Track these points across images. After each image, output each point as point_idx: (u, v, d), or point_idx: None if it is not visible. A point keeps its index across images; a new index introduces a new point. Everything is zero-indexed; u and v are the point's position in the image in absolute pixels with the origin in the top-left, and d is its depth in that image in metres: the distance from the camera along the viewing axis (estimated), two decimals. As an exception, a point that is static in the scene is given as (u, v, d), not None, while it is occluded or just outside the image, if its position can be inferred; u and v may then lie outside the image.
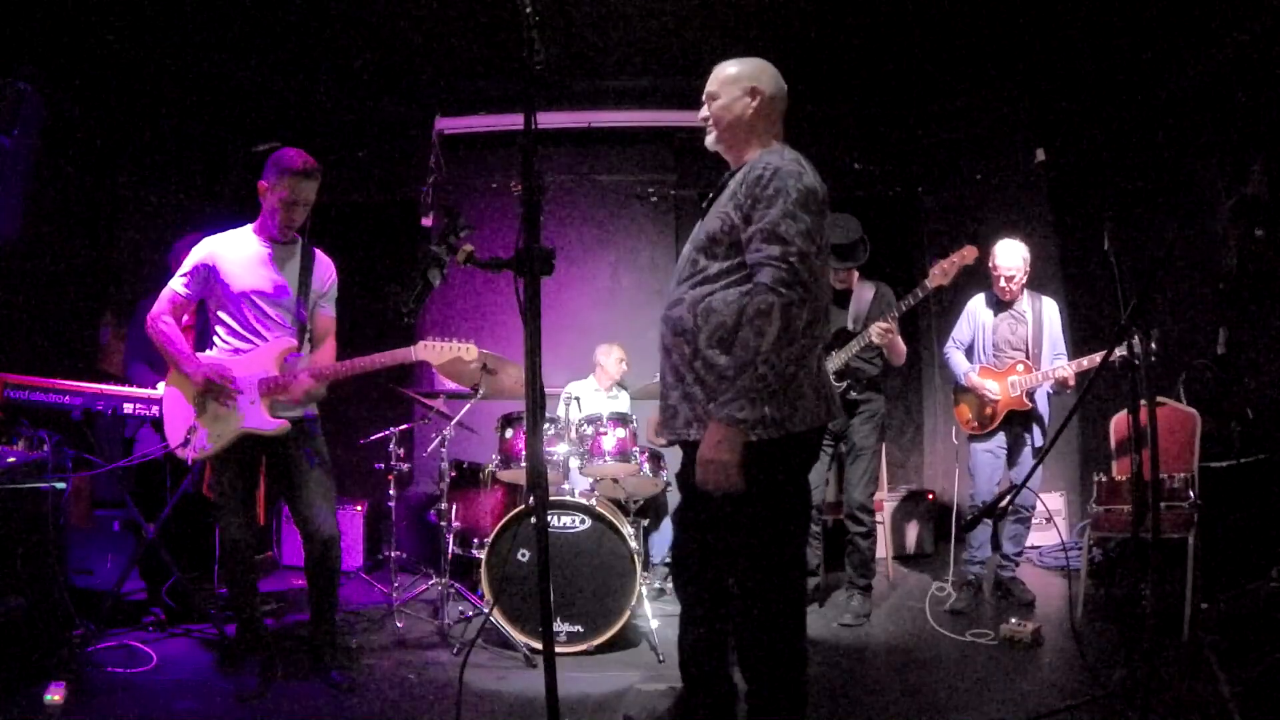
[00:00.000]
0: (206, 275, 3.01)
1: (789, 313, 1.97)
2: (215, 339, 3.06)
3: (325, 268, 3.22)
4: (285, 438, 3.02)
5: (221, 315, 3.04)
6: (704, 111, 2.32)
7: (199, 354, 3.03)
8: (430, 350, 3.17)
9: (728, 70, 2.29)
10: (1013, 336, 4.13)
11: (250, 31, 4.88)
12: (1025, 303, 4.14)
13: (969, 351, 4.26)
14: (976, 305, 4.27)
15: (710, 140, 2.33)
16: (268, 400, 2.98)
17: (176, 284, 3.02)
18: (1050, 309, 4.17)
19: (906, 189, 6.44)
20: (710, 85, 2.31)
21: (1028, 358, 4.07)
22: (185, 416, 2.99)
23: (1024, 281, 4.10)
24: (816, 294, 2.04)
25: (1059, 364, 3.97)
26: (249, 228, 3.12)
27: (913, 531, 5.38)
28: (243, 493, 3.04)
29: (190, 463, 2.99)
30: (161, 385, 3.71)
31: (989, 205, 5.94)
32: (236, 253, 3.04)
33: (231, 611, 3.37)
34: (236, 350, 3.02)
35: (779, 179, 2.05)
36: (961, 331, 4.31)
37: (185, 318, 3.21)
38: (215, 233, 3.11)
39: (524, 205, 1.73)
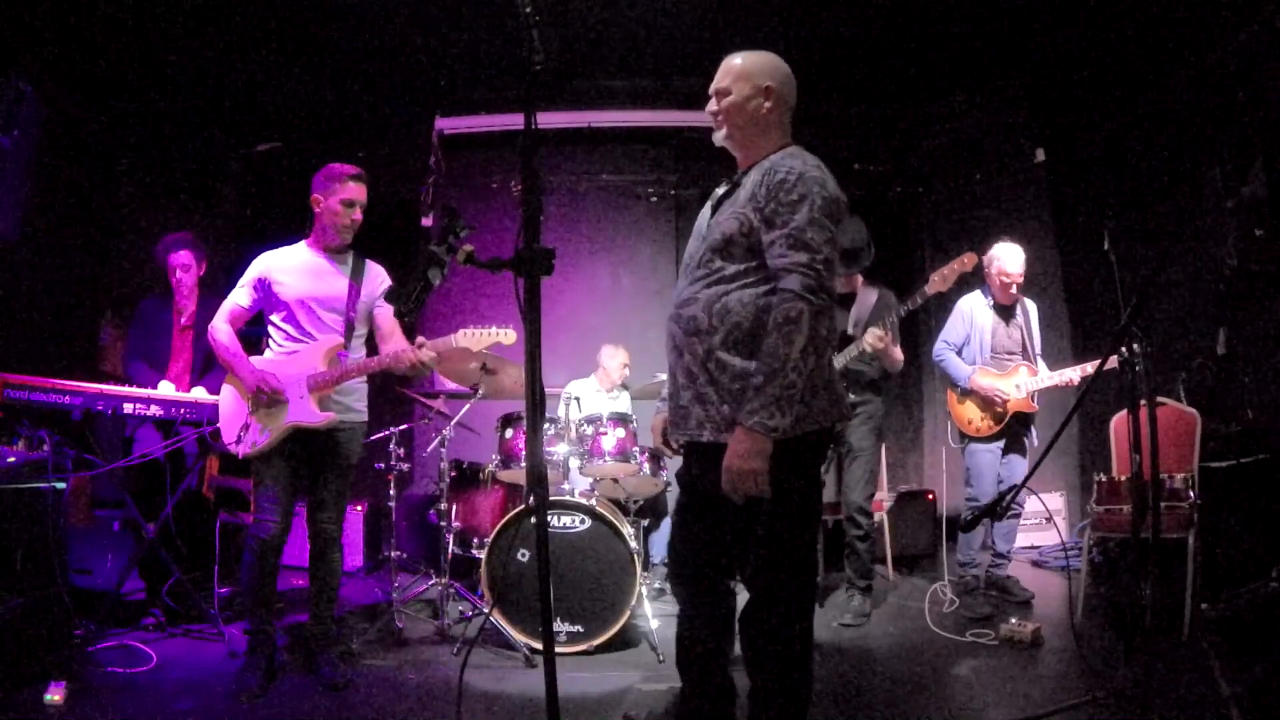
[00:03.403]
0: (264, 288, 3.12)
1: (816, 320, 1.96)
2: (271, 343, 3.14)
3: (377, 276, 3.29)
4: (328, 433, 3.07)
5: (277, 320, 3.13)
6: (712, 105, 2.24)
7: (252, 357, 3.10)
8: (470, 337, 3.20)
9: (738, 63, 2.21)
10: (1008, 340, 4.17)
11: (250, 31, 4.88)
12: (1017, 305, 4.19)
13: (959, 352, 4.24)
14: (973, 306, 4.24)
15: (719, 137, 2.25)
16: (316, 395, 3.04)
17: (239, 295, 3.14)
18: (1033, 309, 4.24)
19: (906, 189, 6.44)
20: (720, 79, 2.22)
21: (1026, 359, 4.12)
22: (240, 414, 3.06)
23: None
24: (834, 300, 2.06)
25: (1068, 371, 3.96)
26: (302, 243, 3.21)
27: (912, 532, 5.38)
28: (284, 494, 3.06)
29: (241, 458, 3.07)
30: (162, 384, 3.76)
31: (989, 205, 5.94)
32: (289, 263, 3.14)
33: (245, 610, 3.35)
34: (291, 353, 3.09)
35: (804, 184, 2.02)
36: (955, 332, 4.25)
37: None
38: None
39: (524, 205, 1.73)
